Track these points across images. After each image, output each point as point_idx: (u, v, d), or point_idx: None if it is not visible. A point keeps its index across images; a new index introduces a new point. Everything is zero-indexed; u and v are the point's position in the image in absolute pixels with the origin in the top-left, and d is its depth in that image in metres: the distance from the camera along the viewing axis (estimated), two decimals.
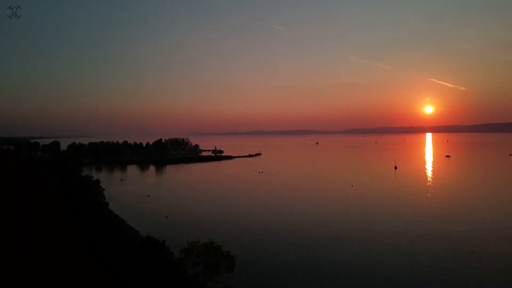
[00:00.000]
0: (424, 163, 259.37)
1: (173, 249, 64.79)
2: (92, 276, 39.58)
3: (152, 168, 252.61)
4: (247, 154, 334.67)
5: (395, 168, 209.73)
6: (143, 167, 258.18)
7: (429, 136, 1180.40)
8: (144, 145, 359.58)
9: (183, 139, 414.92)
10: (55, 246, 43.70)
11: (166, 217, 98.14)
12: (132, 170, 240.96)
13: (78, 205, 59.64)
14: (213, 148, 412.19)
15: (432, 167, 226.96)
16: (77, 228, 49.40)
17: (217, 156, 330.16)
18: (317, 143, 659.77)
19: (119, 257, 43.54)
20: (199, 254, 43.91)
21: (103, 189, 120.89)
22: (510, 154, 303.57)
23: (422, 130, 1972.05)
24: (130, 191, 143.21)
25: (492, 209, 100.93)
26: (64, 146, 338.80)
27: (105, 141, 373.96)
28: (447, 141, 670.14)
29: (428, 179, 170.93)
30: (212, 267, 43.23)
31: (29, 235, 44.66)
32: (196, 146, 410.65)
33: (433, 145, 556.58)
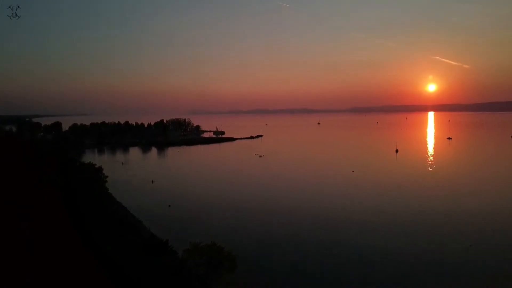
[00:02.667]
0: (425, 146, 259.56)
1: (174, 241, 66.78)
2: (93, 278, 40.52)
3: (154, 150, 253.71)
4: (249, 136, 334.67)
5: (396, 151, 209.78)
6: (145, 149, 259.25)
7: (431, 115, 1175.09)
8: (145, 125, 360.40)
9: (185, 119, 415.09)
10: (55, 248, 44.52)
11: (169, 205, 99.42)
12: (135, 152, 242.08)
13: (80, 203, 60.52)
14: (215, 129, 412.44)
15: (433, 151, 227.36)
16: (78, 228, 50.30)
17: (219, 138, 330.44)
18: (318, 123, 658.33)
19: (121, 258, 44.58)
20: (201, 256, 44.98)
21: (106, 177, 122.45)
22: (511, 136, 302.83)
23: (424, 108, 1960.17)
24: (133, 177, 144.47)
25: (492, 197, 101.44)
26: (65, 125, 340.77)
27: (107, 121, 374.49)
28: (449, 121, 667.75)
29: (429, 164, 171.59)
30: (214, 268, 44.39)
31: (29, 236, 45.42)
32: (198, 127, 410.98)
33: (434, 125, 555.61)
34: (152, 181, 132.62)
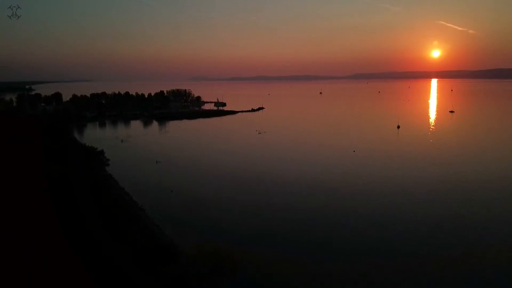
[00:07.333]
0: (428, 120, 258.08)
1: (174, 231, 68.79)
2: (93, 282, 41.32)
3: (155, 124, 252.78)
4: (250, 109, 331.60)
5: (398, 127, 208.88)
6: (146, 123, 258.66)
7: (434, 83, 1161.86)
8: (146, 96, 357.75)
9: (185, 90, 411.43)
10: (56, 248, 45.22)
11: (171, 191, 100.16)
12: (136, 127, 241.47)
13: (80, 203, 61.34)
14: (216, 100, 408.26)
15: (435, 126, 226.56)
16: (79, 229, 51.17)
17: (220, 111, 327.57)
18: (320, 92, 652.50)
19: (121, 262, 45.61)
20: (204, 259, 46.06)
21: (108, 160, 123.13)
22: None
23: (428, 75, 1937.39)
24: (134, 156, 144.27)
25: (494, 186, 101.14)
26: (65, 94, 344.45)
27: (107, 90, 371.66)
28: (451, 90, 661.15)
29: (431, 141, 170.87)
30: (215, 272, 45.58)
31: (29, 237, 46.10)
32: (198, 98, 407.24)
33: (437, 95, 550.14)
34: (157, 162, 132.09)
